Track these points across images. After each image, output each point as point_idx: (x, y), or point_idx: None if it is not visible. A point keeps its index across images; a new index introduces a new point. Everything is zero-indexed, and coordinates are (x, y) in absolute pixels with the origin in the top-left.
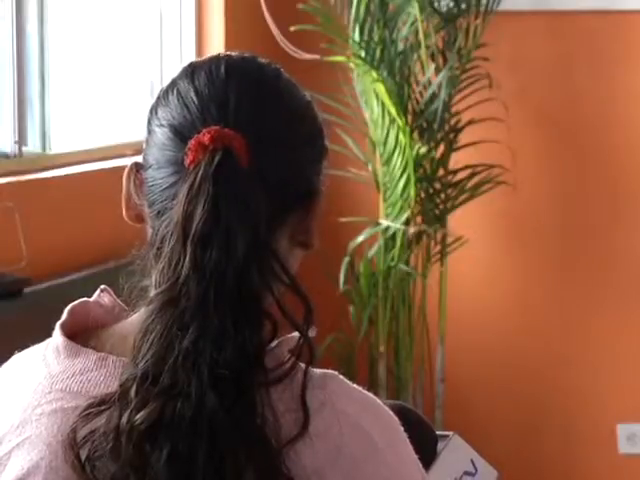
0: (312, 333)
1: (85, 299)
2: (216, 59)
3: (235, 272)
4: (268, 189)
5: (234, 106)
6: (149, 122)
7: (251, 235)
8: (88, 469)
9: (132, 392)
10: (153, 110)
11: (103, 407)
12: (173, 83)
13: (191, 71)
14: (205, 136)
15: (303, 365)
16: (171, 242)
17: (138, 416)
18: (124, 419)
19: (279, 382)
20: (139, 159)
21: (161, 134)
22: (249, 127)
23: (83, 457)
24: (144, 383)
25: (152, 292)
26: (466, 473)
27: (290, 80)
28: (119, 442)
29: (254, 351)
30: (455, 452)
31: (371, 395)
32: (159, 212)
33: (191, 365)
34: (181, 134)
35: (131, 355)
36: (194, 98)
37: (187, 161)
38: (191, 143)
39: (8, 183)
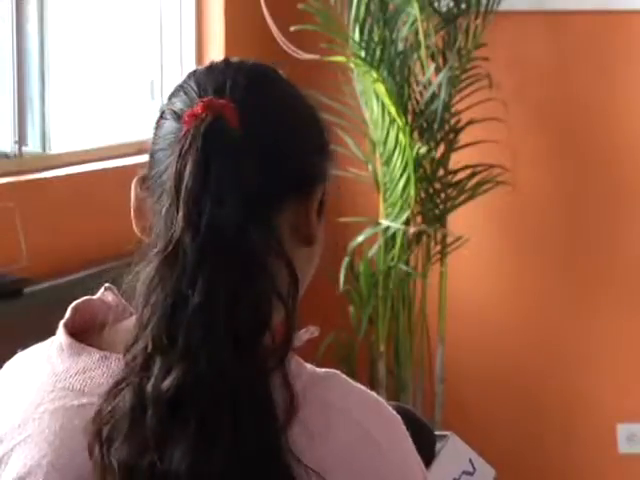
0: (315, 333)
1: (89, 297)
2: (216, 60)
3: (232, 227)
4: (259, 158)
5: (230, 85)
6: (157, 123)
7: (244, 193)
8: (104, 451)
9: (153, 361)
10: (161, 111)
11: (121, 386)
12: (178, 85)
13: (193, 71)
14: (198, 106)
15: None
16: (166, 205)
17: (165, 383)
18: (149, 388)
19: (278, 365)
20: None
21: (166, 125)
22: (244, 101)
23: (102, 439)
24: (160, 349)
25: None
26: (465, 472)
27: (290, 81)
28: (142, 417)
29: (266, 312)
30: (453, 452)
31: (373, 393)
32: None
33: (207, 320)
34: (180, 116)
35: (136, 325)
36: (193, 86)
37: (182, 133)
38: (186, 115)
39: (8, 183)
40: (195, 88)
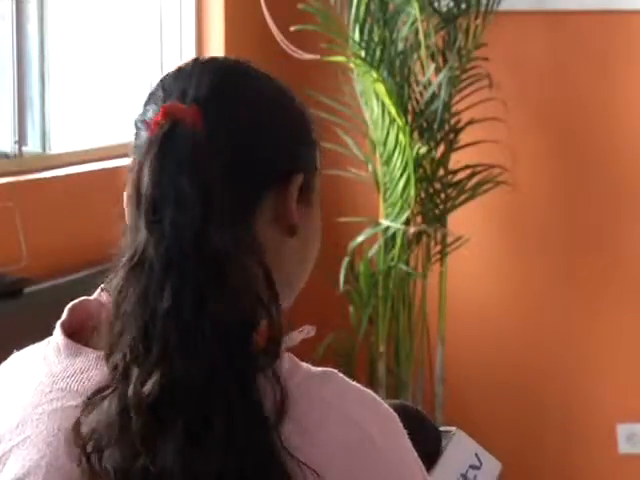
0: (311, 333)
1: (85, 298)
2: (186, 61)
3: (192, 231)
4: (225, 158)
5: (195, 87)
6: (134, 134)
7: (206, 195)
8: (95, 460)
9: (132, 369)
10: (135, 122)
11: (105, 393)
12: (149, 93)
13: (164, 76)
14: (159, 113)
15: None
16: (130, 214)
17: (145, 388)
18: (130, 396)
19: (268, 366)
20: None
21: (140, 134)
22: (207, 102)
23: (89, 450)
24: (138, 356)
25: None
26: (472, 467)
27: (266, 74)
28: (128, 422)
29: (240, 311)
30: (459, 447)
31: (370, 392)
32: None
33: (179, 325)
34: (149, 124)
35: (111, 335)
36: (160, 93)
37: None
38: (152, 123)
39: (8, 183)
40: (162, 94)
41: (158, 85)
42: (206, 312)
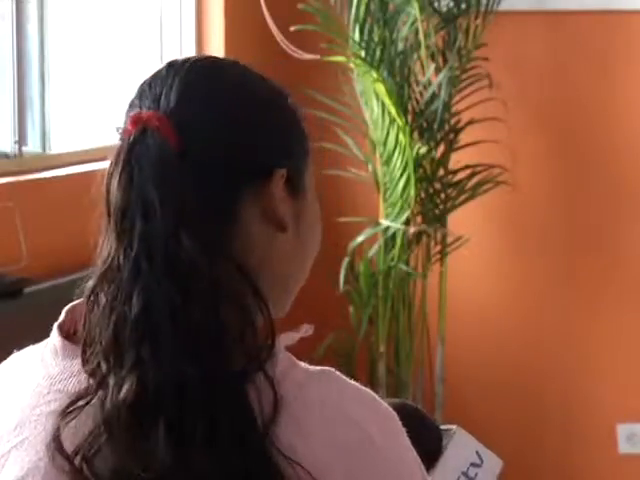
0: (309, 331)
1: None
2: (162, 65)
3: (162, 240)
4: (196, 164)
5: (166, 93)
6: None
7: (173, 204)
8: (85, 468)
9: (108, 376)
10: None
11: (82, 402)
12: (130, 100)
13: (141, 83)
14: (129, 122)
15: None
16: (104, 219)
17: (120, 396)
18: (108, 405)
19: (257, 370)
20: None
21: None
22: (177, 108)
23: (79, 459)
24: (112, 363)
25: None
26: (472, 464)
27: (249, 72)
28: (113, 431)
29: (212, 315)
30: (460, 445)
31: (368, 390)
32: None
33: (149, 331)
34: (122, 131)
35: (84, 344)
36: (136, 101)
37: None
38: (123, 131)
39: (8, 183)
40: (137, 102)
41: (136, 92)
42: (177, 319)
